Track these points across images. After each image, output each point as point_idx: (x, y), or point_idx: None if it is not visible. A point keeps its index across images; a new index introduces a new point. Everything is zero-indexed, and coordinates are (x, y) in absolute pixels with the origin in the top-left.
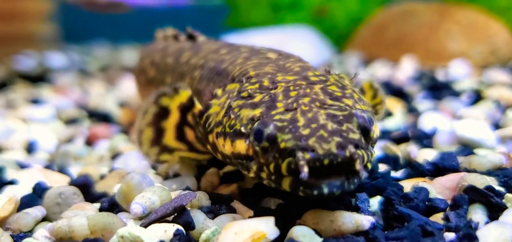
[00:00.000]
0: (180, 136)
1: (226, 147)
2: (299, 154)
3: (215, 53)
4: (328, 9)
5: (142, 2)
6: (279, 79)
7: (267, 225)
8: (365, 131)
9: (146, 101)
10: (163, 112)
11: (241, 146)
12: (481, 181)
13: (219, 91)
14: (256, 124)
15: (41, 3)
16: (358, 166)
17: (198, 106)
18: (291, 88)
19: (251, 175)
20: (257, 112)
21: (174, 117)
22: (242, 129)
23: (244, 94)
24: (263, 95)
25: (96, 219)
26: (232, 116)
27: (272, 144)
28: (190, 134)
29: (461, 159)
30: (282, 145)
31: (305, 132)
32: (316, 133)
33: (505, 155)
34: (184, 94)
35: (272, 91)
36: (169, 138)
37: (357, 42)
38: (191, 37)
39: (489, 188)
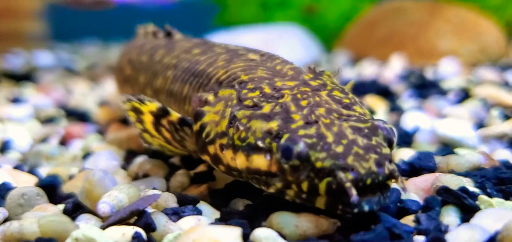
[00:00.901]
0: (157, 130)
1: (238, 161)
2: (342, 175)
3: (187, 53)
4: (317, 7)
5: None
6: (279, 85)
7: (228, 236)
8: (390, 143)
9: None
10: (138, 111)
11: (261, 161)
12: (456, 182)
13: (210, 97)
14: (283, 140)
15: (32, 1)
16: (400, 183)
17: (175, 115)
18: (299, 96)
19: (271, 190)
20: (273, 125)
21: (148, 118)
22: (259, 143)
23: (248, 102)
24: (272, 105)
25: (48, 222)
26: (241, 128)
27: (305, 162)
28: (166, 133)
29: (439, 159)
30: (319, 164)
31: (339, 149)
32: (350, 150)
33: (485, 154)
34: (151, 105)
35: (281, 101)
36: (149, 125)
37: (347, 41)
38: (168, 35)
39: (463, 189)
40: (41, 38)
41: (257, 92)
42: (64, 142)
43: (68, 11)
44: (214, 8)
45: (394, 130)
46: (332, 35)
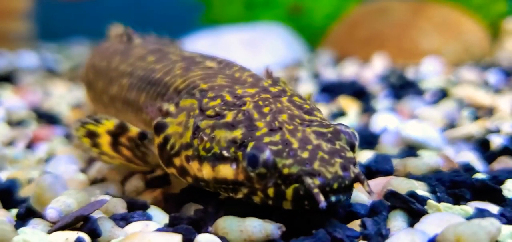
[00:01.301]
0: (116, 150)
1: (204, 171)
2: (309, 181)
3: (143, 61)
4: (303, 6)
5: None
6: (240, 93)
7: None
8: (352, 147)
9: (72, 127)
10: (93, 134)
11: (227, 171)
12: (407, 186)
13: (171, 108)
14: (249, 149)
15: (19, 1)
16: (366, 186)
17: (134, 130)
18: (261, 103)
19: (239, 196)
20: (237, 134)
21: (105, 139)
22: (224, 153)
23: (210, 112)
24: (235, 113)
25: None
26: (205, 138)
27: (271, 169)
28: (125, 151)
29: (397, 162)
30: (286, 171)
31: (305, 155)
32: (316, 155)
33: (444, 157)
34: (109, 123)
35: (243, 108)
36: (106, 148)
37: (331, 40)
38: (129, 39)
39: (411, 194)
40: (26, 38)
41: (218, 101)
42: (31, 145)
43: (57, 10)
44: (199, 7)
45: (356, 134)
46: (317, 35)
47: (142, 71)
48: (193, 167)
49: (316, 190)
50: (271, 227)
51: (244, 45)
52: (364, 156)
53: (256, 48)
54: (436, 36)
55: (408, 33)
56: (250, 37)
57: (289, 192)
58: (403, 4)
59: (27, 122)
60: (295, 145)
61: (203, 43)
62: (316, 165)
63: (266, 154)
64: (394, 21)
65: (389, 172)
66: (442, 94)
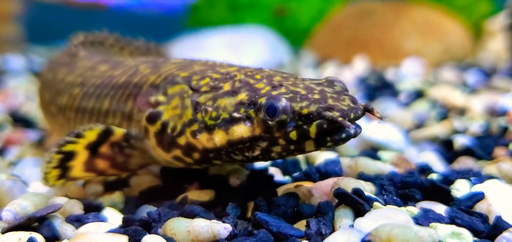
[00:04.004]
0: (90, 168)
1: (217, 138)
2: (329, 113)
3: (93, 70)
4: (287, 9)
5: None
6: (224, 71)
7: None
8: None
9: (48, 152)
10: (69, 156)
11: (241, 130)
12: (354, 185)
13: (161, 97)
14: (263, 101)
15: (8, 4)
16: (377, 113)
17: (119, 132)
18: (250, 73)
19: (256, 153)
20: (243, 96)
21: (81, 157)
22: (235, 114)
23: (205, 88)
24: (230, 83)
25: None
26: (210, 109)
27: (290, 114)
28: (102, 164)
29: (347, 161)
30: (305, 111)
31: (316, 96)
32: (326, 96)
33: (398, 158)
34: (91, 134)
35: (237, 78)
36: (77, 172)
37: (315, 42)
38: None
39: (357, 192)
40: (16, 41)
41: (208, 79)
42: (3, 149)
43: (46, 14)
44: (183, 10)
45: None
46: (302, 37)
47: (98, 79)
48: (202, 139)
49: (340, 118)
50: (218, 227)
51: (228, 48)
52: (318, 159)
53: (240, 50)
54: (417, 37)
55: (389, 34)
56: (234, 40)
57: (313, 129)
58: (386, 6)
59: (3, 125)
60: (303, 92)
61: (187, 46)
62: (330, 101)
63: (284, 102)
64: (376, 23)
65: (338, 173)
66: (417, 95)
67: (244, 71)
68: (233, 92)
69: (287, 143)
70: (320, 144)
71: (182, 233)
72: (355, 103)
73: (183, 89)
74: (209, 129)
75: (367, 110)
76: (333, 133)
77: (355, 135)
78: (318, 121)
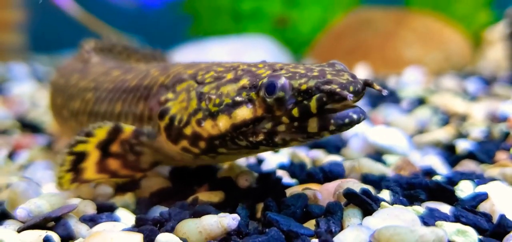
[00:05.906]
0: (102, 169)
1: (221, 123)
2: (327, 86)
3: (106, 76)
4: (288, 19)
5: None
6: (228, 65)
7: (130, 241)
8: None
9: (60, 154)
10: (81, 157)
11: (244, 112)
12: (359, 187)
13: (169, 95)
14: (265, 80)
15: (12, 12)
16: (377, 86)
17: (129, 129)
18: (253, 64)
19: (260, 138)
20: (244, 81)
21: (93, 157)
22: (237, 98)
23: (209, 79)
24: (233, 72)
25: None
26: (213, 97)
27: (289, 91)
28: (114, 164)
29: (349, 162)
30: (304, 87)
31: (315, 73)
32: (324, 72)
33: (403, 161)
34: (101, 132)
35: (240, 68)
36: (90, 173)
37: (316, 51)
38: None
39: (365, 192)
40: (19, 50)
41: (212, 72)
42: (13, 153)
43: (49, 23)
44: (187, 20)
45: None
46: (303, 46)
47: (110, 84)
48: (206, 126)
49: (338, 89)
50: (226, 220)
51: (230, 55)
52: (323, 161)
53: (242, 58)
54: (418, 46)
55: (391, 43)
56: (235, 49)
57: (313, 103)
58: (387, 15)
59: (11, 131)
60: (303, 71)
61: (189, 55)
62: (329, 76)
63: (283, 79)
64: (377, 32)
65: (341, 174)
66: (419, 103)
67: (247, 63)
68: (236, 79)
69: (291, 121)
70: (323, 125)
71: (195, 235)
72: (355, 78)
73: (190, 84)
74: (213, 115)
75: (367, 85)
76: (336, 111)
77: (358, 120)
78: (317, 95)
